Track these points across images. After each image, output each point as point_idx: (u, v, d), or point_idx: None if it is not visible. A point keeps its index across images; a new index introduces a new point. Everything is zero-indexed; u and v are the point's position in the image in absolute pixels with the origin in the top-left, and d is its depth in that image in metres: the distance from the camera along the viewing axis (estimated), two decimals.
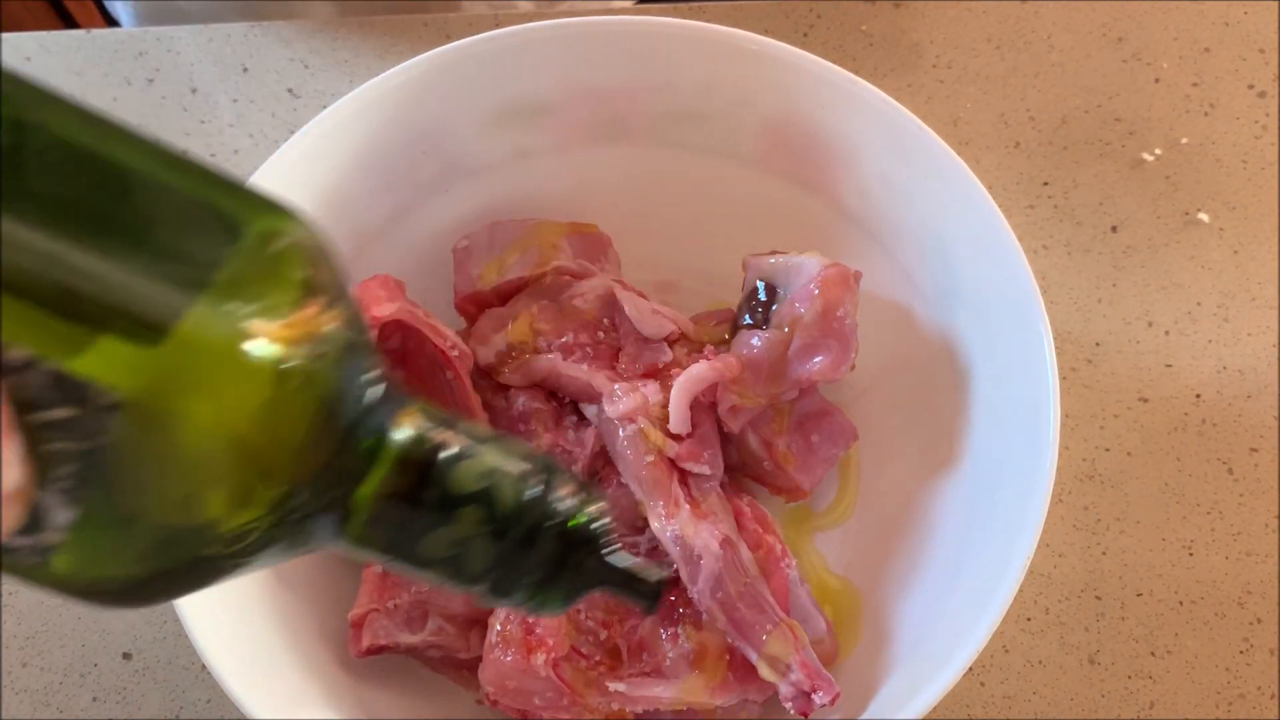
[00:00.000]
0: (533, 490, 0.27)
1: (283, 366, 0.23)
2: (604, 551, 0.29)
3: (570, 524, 0.28)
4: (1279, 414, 0.54)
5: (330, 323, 0.24)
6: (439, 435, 0.27)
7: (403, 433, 0.26)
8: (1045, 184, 0.59)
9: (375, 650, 0.44)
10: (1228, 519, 0.52)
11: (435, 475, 0.26)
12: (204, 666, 0.43)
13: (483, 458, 0.27)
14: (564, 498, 0.28)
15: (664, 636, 0.44)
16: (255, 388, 0.23)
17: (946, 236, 0.47)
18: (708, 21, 0.48)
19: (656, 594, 0.30)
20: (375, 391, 0.26)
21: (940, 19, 0.63)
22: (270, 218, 0.24)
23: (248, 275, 0.23)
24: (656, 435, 0.45)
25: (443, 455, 0.26)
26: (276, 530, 0.25)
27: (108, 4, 0.78)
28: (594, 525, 0.29)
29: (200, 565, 0.24)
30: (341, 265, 0.26)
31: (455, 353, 0.47)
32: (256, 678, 0.39)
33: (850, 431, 0.49)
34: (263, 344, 0.23)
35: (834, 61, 0.48)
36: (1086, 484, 0.53)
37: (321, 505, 0.25)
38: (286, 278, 0.24)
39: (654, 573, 0.30)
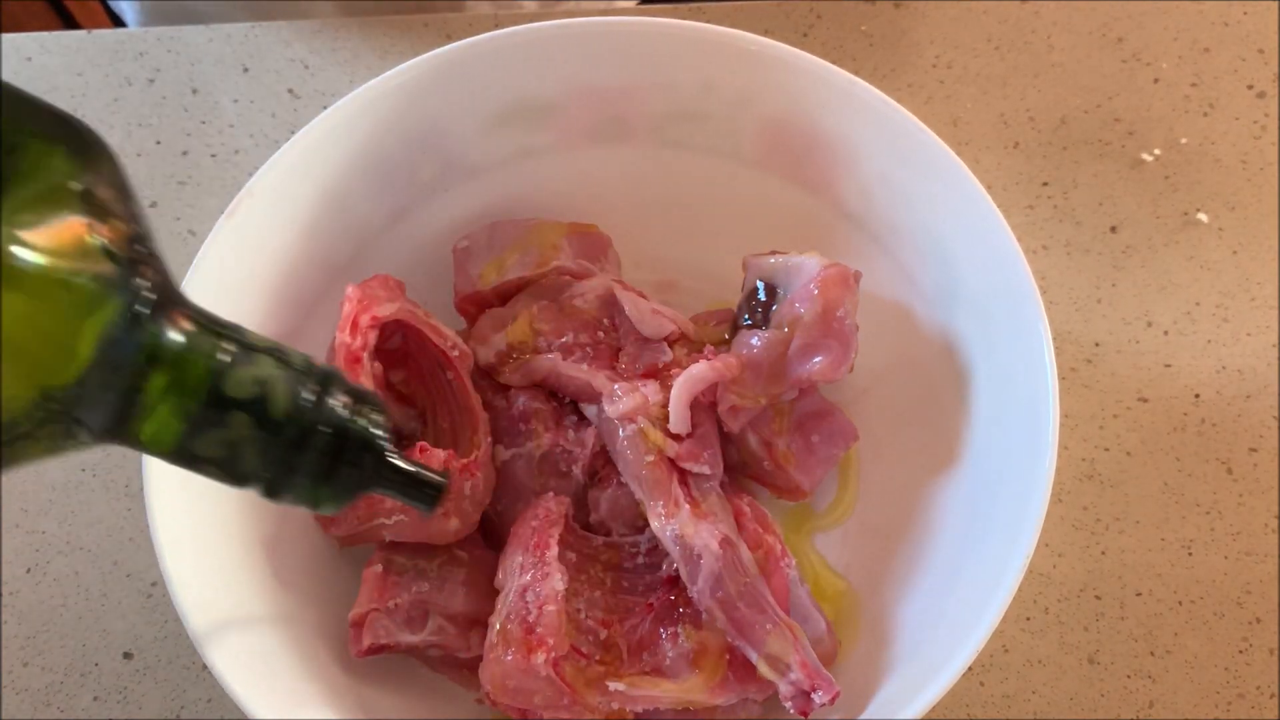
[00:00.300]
0: (306, 396, 0.29)
1: (48, 273, 0.25)
2: (379, 454, 0.31)
3: (345, 428, 0.30)
4: (1278, 414, 0.54)
5: (102, 233, 0.26)
6: (215, 341, 0.29)
7: (178, 337, 0.28)
8: (1045, 184, 0.59)
9: (375, 650, 0.44)
10: (1227, 519, 0.52)
11: (212, 380, 0.28)
12: (204, 666, 0.43)
13: (258, 364, 0.29)
14: (338, 404, 0.30)
15: (664, 636, 0.44)
16: (21, 293, 0.25)
17: (946, 237, 0.47)
18: (708, 22, 0.48)
19: (436, 496, 0.32)
20: (150, 298, 0.27)
21: (940, 19, 0.64)
22: (52, 133, 0.26)
23: (25, 187, 0.25)
24: (656, 435, 0.45)
25: (218, 360, 0.28)
26: (47, 424, 0.27)
27: (113, 4, 0.78)
28: (368, 430, 0.31)
29: None
30: (127, 180, 0.28)
31: (455, 353, 0.47)
32: (257, 677, 0.39)
33: (850, 431, 0.49)
34: (29, 252, 0.24)
35: (834, 61, 0.48)
36: (1086, 484, 0.53)
37: (95, 403, 0.27)
38: (62, 190, 0.26)
39: (432, 476, 0.32)
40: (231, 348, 0.29)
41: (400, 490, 0.32)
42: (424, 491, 0.32)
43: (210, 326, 0.29)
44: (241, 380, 0.29)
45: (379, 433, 0.31)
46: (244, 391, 0.29)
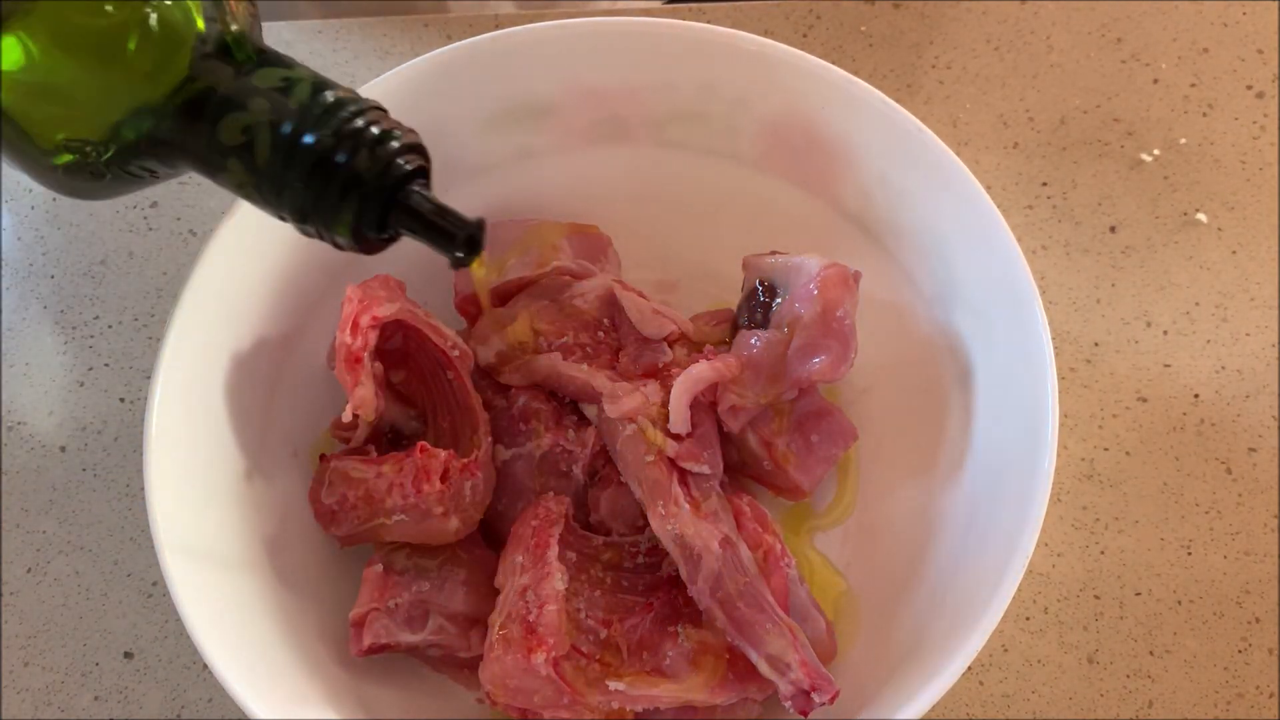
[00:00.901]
0: (320, 107, 0.31)
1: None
2: (399, 181, 0.31)
3: (354, 152, 0.31)
4: (1278, 414, 0.54)
5: None
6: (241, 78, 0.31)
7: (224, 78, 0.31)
8: (1044, 184, 0.60)
9: (376, 649, 0.44)
10: (1226, 519, 0.52)
11: (214, 122, 0.31)
12: (205, 666, 0.43)
13: (251, 108, 0.31)
14: (354, 117, 0.31)
15: (664, 636, 0.44)
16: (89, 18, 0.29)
17: (946, 237, 0.47)
18: (708, 22, 0.48)
19: (464, 243, 0.31)
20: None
21: (940, 19, 0.64)
22: None
23: None
24: (656, 435, 0.45)
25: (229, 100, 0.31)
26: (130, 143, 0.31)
27: None
28: (389, 149, 0.31)
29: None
30: None
31: (456, 353, 0.47)
32: (257, 677, 0.39)
33: (850, 431, 0.49)
34: None
35: (834, 62, 0.48)
36: (1085, 484, 0.53)
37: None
38: None
39: (462, 216, 0.31)
40: (242, 83, 0.31)
41: (423, 231, 0.31)
42: (446, 234, 0.31)
43: (249, 60, 0.31)
44: (231, 128, 0.31)
45: (396, 147, 0.31)
46: (233, 139, 0.31)
